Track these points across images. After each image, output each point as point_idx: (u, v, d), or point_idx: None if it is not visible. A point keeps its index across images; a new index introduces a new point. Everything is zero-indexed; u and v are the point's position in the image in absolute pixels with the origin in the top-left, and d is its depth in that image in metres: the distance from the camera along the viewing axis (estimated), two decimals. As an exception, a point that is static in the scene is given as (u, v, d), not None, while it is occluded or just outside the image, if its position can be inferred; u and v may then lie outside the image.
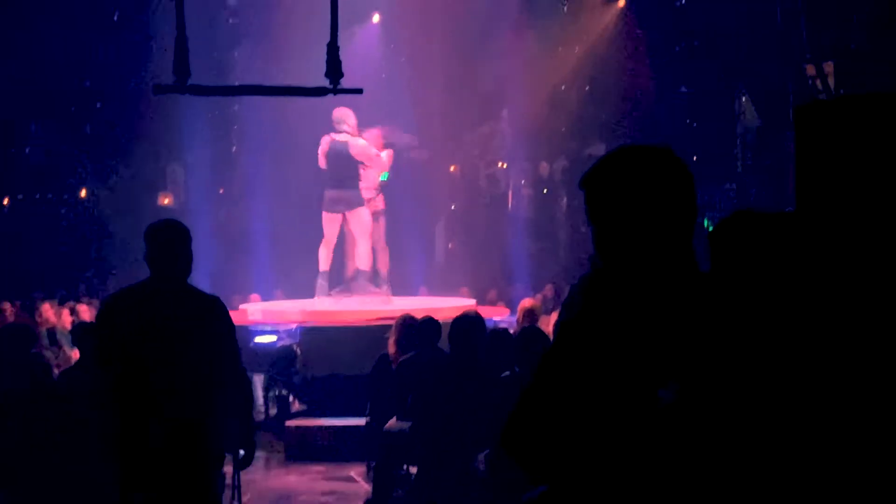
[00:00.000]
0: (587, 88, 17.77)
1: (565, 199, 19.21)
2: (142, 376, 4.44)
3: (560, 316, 6.61)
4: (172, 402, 4.45)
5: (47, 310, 11.47)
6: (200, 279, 14.82)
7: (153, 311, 4.52)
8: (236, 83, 13.48)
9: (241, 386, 4.88)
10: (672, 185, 2.18)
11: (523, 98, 17.06)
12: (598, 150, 17.83)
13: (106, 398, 4.53)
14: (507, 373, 6.33)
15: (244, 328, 10.80)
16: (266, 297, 14.02)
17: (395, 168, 12.28)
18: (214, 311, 4.67)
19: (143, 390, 4.44)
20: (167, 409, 4.44)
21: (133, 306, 4.55)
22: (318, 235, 11.87)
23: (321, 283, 11.79)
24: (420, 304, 11.39)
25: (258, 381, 10.46)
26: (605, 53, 16.78)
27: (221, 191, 18.68)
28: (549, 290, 15.24)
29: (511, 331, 7.68)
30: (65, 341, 10.33)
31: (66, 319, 11.20)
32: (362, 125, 11.66)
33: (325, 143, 11.44)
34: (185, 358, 4.50)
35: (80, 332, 7.28)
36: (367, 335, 9.87)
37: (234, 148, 18.72)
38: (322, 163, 11.46)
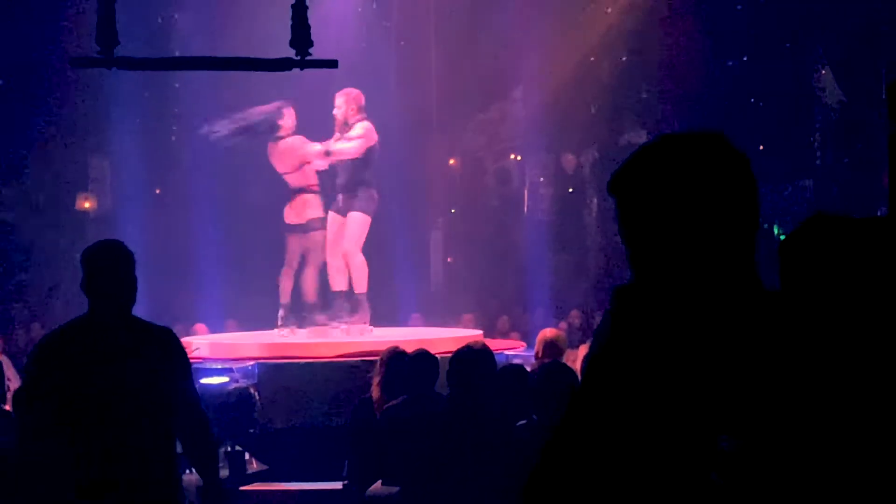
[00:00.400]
0: (623, 59, 17.83)
1: (596, 200, 19.23)
2: (82, 431, 4.72)
3: (591, 349, 6.63)
4: (122, 459, 4.71)
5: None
6: (135, 308, 14.79)
7: (94, 350, 4.79)
8: (177, 54, 13.55)
9: (203, 433, 5.13)
10: (728, 183, 2.17)
11: (542, 73, 17.11)
12: (637, 137, 17.87)
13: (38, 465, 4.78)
14: (524, 421, 6.33)
15: (187, 366, 10.82)
16: (215, 329, 14.02)
17: (383, 162, 12.29)
18: (167, 346, 4.97)
19: (85, 448, 4.71)
20: (115, 467, 4.70)
21: (70, 346, 4.81)
22: (280, 251, 11.90)
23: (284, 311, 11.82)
24: (412, 335, 11.36)
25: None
26: (644, 15, 16.85)
27: (158, 191, 18.71)
28: (575, 316, 15.28)
29: (528, 368, 7.68)
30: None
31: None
32: (326, 107, 11.67)
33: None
34: (135, 403, 4.77)
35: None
36: (343, 374, 9.87)
37: (173, 137, 18.76)
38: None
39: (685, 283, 2.15)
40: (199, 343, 11.53)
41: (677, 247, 2.16)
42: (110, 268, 4.93)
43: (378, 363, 7.89)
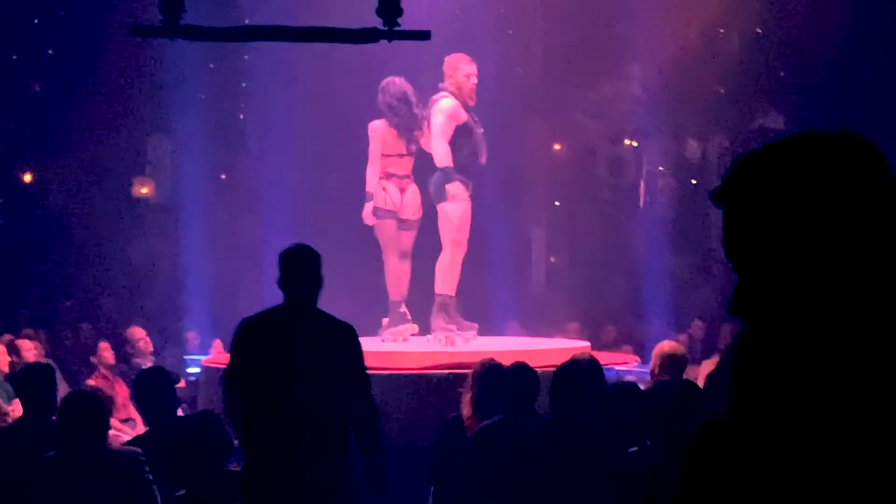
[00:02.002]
0: (757, 31, 17.70)
1: (724, 194, 19.10)
2: (270, 404, 6.36)
3: (720, 369, 6.59)
4: (301, 427, 6.31)
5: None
6: (194, 309, 14.95)
7: (284, 336, 6.45)
8: (247, 22, 13.69)
9: (370, 419, 6.64)
10: (879, 197, 2.00)
11: (662, 46, 17.03)
12: (772, 122, 17.75)
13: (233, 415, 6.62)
14: (635, 448, 6.35)
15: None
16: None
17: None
18: (346, 338, 6.55)
19: (270, 414, 6.36)
20: (295, 436, 6.30)
21: (265, 331, 6.51)
22: (367, 245, 12.00)
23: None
24: (508, 346, 11.38)
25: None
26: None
27: (223, 177, 18.93)
28: (697, 327, 15.21)
29: (642, 386, 7.68)
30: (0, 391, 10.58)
31: (3, 360, 11.47)
32: (425, 83, 11.75)
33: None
34: (314, 384, 6.36)
35: (25, 377, 7.47)
36: (428, 388, 9.92)
37: (241, 116, 18.97)
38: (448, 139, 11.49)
39: (823, 321, 1.96)
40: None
41: (813, 274, 1.98)
42: (301, 268, 6.56)
43: (469, 377, 7.93)
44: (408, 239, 11.91)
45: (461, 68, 11.32)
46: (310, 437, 6.33)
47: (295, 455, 6.31)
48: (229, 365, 6.63)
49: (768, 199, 2.02)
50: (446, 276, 11.59)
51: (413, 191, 11.82)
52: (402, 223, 11.82)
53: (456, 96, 11.29)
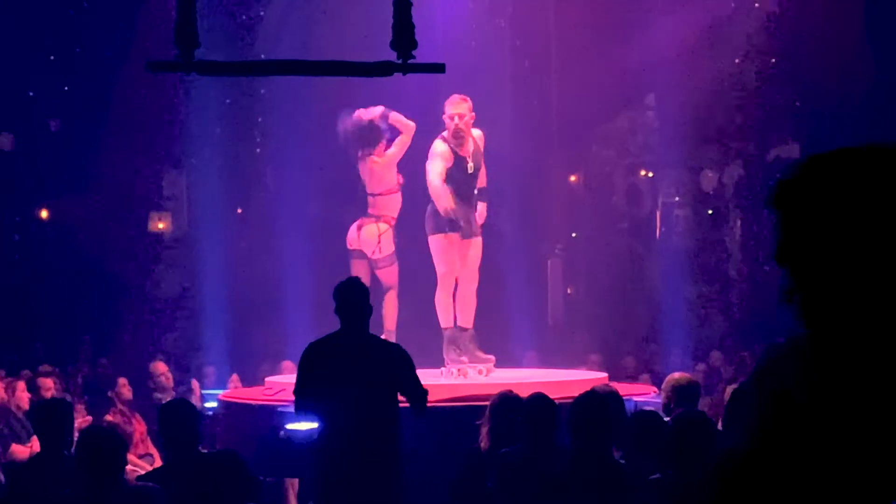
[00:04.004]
0: (772, 61, 17.69)
1: (740, 223, 19.11)
2: (335, 412, 7.68)
3: (737, 399, 6.55)
4: (360, 432, 7.56)
5: (-7, 383, 11.76)
6: (211, 343, 14.91)
7: (343, 356, 7.69)
8: (262, 57, 13.75)
9: (421, 401, 7.92)
10: None
11: (678, 77, 17.04)
12: (788, 152, 17.72)
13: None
14: (657, 476, 6.31)
15: (270, 410, 10.93)
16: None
17: (495, 180, 12.35)
18: (394, 356, 7.90)
19: (336, 424, 7.69)
20: (354, 437, 7.58)
21: (327, 353, 7.76)
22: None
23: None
24: (525, 377, 11.35)
25: (291, 489, 10.56)
26: (797, 12, 16.68)
27: (240, 211, 18.96)
28: (716, 358, 15.15)
29: (666, 419, 7.65)
30: (19, 427, 10.57)
31: (23, 397, 11.46)
32: (427, 117, 11.77)
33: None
34: (369, 393, 7.64)
35: (42, 413, 7.48)
36: (444, 421, 9.90)
37: (258, 150, 19.01)
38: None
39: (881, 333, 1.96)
40: (286, 383, 11.62)
41: (879, 279, 1.97)
42: (353, 300, 7.79)
43: (488, 409, 7.91)
44: (378, 274, 12.01)
45: (445, 110, 11.34)
46: (368, 434, 7.60)
47: (357, 448, 7.57)
48: (298, 380, 7.86)
49: (837, 204, 2.00)
50: (442, 310, 11.60)
51: (369, 230, 11.97)
52: (370, 261, 12.01)
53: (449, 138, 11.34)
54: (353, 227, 12.15)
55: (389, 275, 12.07)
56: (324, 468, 7.89)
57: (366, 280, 11.89)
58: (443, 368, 11.55)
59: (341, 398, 7.65)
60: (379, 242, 12.00)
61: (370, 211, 12.06)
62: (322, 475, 7.95)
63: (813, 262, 2.02)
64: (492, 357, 11.82)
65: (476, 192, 11.63)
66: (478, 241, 11.71)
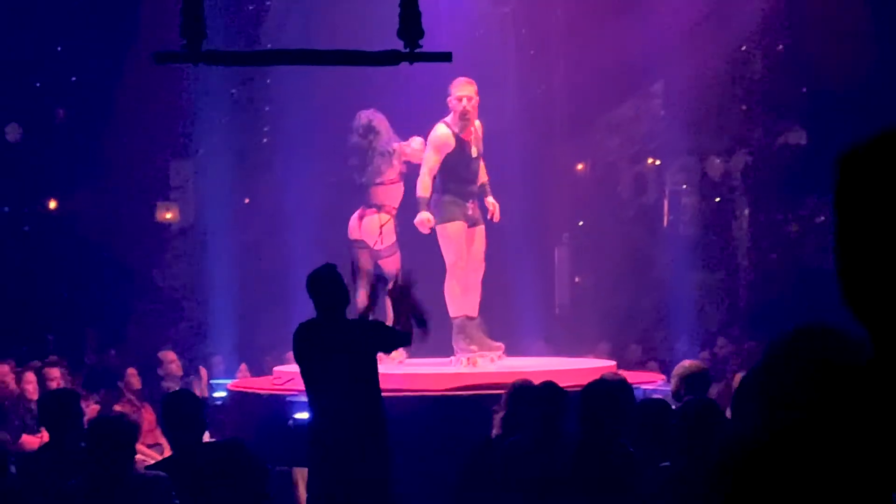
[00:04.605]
0: (779, 48, 17.67)
1: (747, 211, 19.08)
2: (321, 390, 8.07)
3: (747, 388, 6.52)
4: (344, 407, 7.90)
5: (5, 374, 11.78)
6: (219, 333, 14.94)
7: (322, 340, 7.99)
8: (269, 46, 13.74)
9: (407, 337, 8.35)
10: None
11: (684, 64, 17.01)
12: (796, 138, 17.69)
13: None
14: (667, 463, 6.31)
15: (278, 400, 10.94)
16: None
17: (501, 169, 12.34)
18: (363, 328, 8.25)
19: (322, 402, 8.08)
20: (338, 413, 7.91)
21: (307, 338, 8.07)
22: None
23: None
24: (533, 366, 11.35)
25: (301, 478, 10.57)
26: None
27: (247, 201, 18.96)
28: (723, 345, 15.14)
29: (674, 406, 7.64)
30: (29, 417, 10.60)
31: (31, 388, 11.48)
32: (434, 106, 11.75)
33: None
34: (350, 373, 7.94)
35: (50, 403, 7.50)
36: (453, 411, 9.89)
37: (265, 139, 19.01)
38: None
39: None
40: (291, 373, 11.63)
41: None
42: (327, 287, 8.03)
43: (504, 397, 7.92)
44: (381, 265, 11.98)
45: (451, 91, 11.29)
46: (352, 409, 7.93)
47: (344, 416, 7.91)
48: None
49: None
50: (451, 299, 11.58)
51: (371, 221, 11.97)
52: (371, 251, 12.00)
53: (453, 121, 11.31)
54: (355, 217, 12.15)
55: (392, 265, 12.06)
56: (314, 459, 8.15)
57: (365, 270, 11.95)
58: (452, 358, 11.56)
59: (324, 388, 8.04)
60: (381, 233, 12.00)
61: (372, 201, 12.05)
62: (313, 466, 8.23)
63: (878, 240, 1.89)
64: (501, 345, 11.84)
65: (479, 185, 11.63)
66: (482, 230, 11.71)
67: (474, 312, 11.65)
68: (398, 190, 12.11)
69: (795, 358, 2.19)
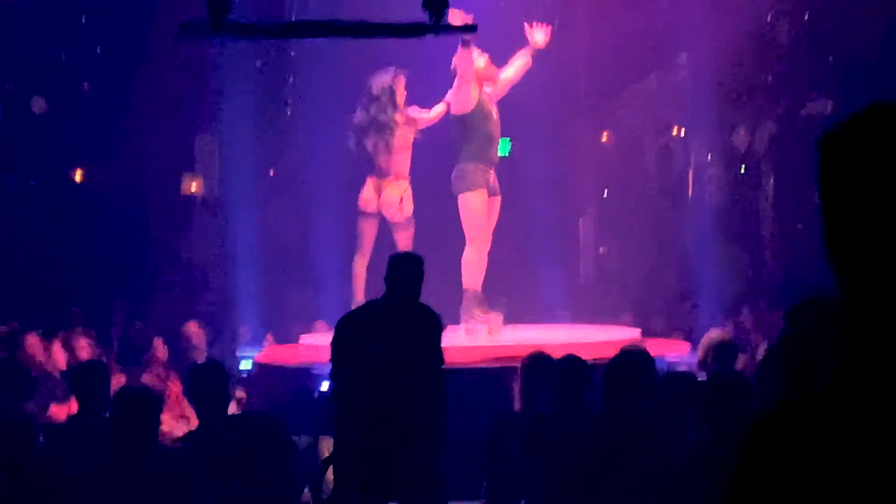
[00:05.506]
0: (805, 18, 17.57)
1: (772, 182, 18.99)
2: (375, 379, 7.68)
3: (771, 359, 6.51)
4: (401, 397, 7.64)
5: (33, 345, 11.79)
6: (244, 303, 14.98)
7: (384, 324, 7.79)
8: (293, 18, 13.71)
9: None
10: None
11: (709, 35, 16.92)
12: (822, 109, 17.58)
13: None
14: (692, 436, 6.30)
15: (304, 371, 10.96)
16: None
17: (524, 141, 12.30)
18: (432, 321, 7.88)
19: (375, 390, 7.69)
20: (395, 402, 7.64)
21: (368, 323, 7.87)
22: (418, 236, 12.01)
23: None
24: (557, 338, 11.36)
25: (326, 448, 10.61)
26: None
27: (272, 173, 18.97)
28: (746, 316, 15.10)
29: (699, 376, 7.63)
30: (56, 387, 10.65)
31: (60, 358, 11.51)
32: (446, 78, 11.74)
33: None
34: (410, 358, 7.68)
35: (79, 374, 7.54)
36: (478, 383, 9.90)
37: (288, 112, 19.00)
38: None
39: None
40: (319, 343, 11.66)
41: None
42: (405, 273, 7.85)
43: (519, 370, 7.92)
44: (397, 237, 11.93)
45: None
46: (409, 399, 7.71)
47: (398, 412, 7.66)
48: (334, 350, 8.00)
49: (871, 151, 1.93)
50: (469, 270, 11.54)
51: (391, 192, 11.90)
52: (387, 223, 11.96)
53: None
54: (368, 188, 12.03)
55: (406, 238, 12.01)
56: (350, 436, 7.93)
57: (370, 242, 11.93)
58: (462, 327, 11.54)
59: (381, 369, 7.70)
60: (401, 202, 11.94)
61: (391, 169, 11.95)
62: (348, 442, 8.00)
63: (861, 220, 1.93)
64: (500, 313, 11.81)
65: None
66: (499, 201, 11.68)
67: (480, 286, 11.63)
68: (409, 158, 12.08)
69: (816, 330, 2.19)
